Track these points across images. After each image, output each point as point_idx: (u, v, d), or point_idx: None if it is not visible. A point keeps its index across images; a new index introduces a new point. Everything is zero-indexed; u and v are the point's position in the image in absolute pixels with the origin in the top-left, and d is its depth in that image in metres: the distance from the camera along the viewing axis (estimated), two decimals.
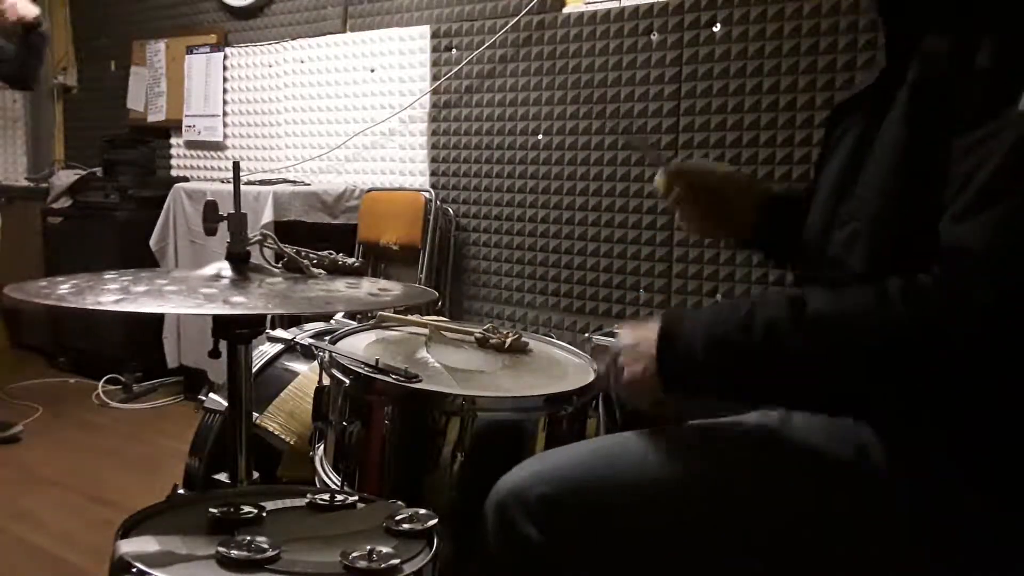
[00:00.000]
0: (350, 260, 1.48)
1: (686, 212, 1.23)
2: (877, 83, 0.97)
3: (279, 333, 1.89)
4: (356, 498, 1.05)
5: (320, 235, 3.17)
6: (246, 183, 3.36)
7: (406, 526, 0.95)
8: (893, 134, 0.89)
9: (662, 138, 2.72)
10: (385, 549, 0.88)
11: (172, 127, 4.35)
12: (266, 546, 0.86)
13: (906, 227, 0.87)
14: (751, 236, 1.23)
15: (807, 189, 1.09)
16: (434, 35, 3.29)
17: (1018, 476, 0.86)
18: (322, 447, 1.40)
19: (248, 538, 0.87)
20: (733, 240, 1.27)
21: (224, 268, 1.20)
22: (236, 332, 1.19)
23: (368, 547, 0.88)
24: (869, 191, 0.92)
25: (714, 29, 2.61)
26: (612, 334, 2.37)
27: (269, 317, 1.80)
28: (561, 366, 1.43)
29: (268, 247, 1.33)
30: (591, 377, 1.33)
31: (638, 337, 0.98)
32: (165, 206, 3.53)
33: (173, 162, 4.41)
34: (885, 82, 0.95)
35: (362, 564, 0.86)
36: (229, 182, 1.25)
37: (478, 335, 1.52)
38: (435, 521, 0.97)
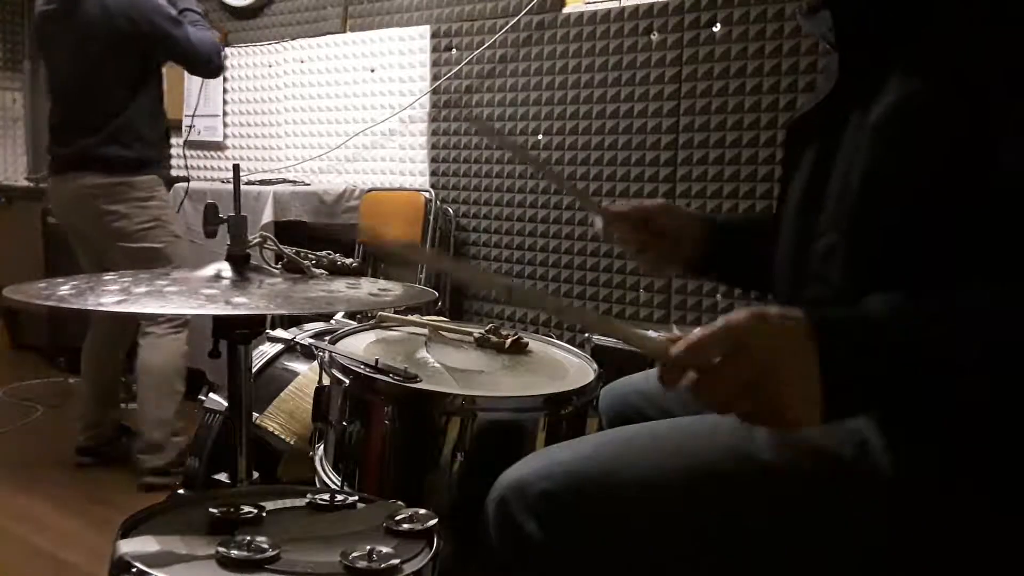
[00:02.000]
0: (349, 260, 1.49)
1: (632, 251, 1.24)
2: (830, 100, 0.99)
3: (279, 333, 1.90)
4: (356, 498, 1.05)
5: (320, 235, 3.17)
6: (246, 183, 3.35)
7: (406, 526, 0.96)
8: (864, 147, 0.90)
9: (662, 138, 2.72)
10: (385, 549, 0.89)
11: (172, 127, 4.33)
12: (266, 546, 0.87)
13: (885, 237, 0.87)
14: (701, 265, 1.24)
15: (777, 204, 1.10)
16: (434, 35, 3.29)
17: (1019, 477, 0.86)
18: (322, 447, 1.40)
19: (248, 538, 0.87)
20: (685, 269, 1.26)
21: (224, 269, 1.21)
22: (236, 332, 1.19)
23: (368, 547, 0.88)
24: (840, 204, 0.92)
25: (714, 29, 2.61)
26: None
27: (269, 317, 1.80)
28: (561, 366, 1.43)
29: (268, 248, 1.34)
30: (591, 377, 1.33)
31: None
32: None
33: (173, 162, 4.38)
34: (839, 99, 0.97)
35: (362, 564, 0.86)
36: (229, 182, 1.26)
37: (478, 335, 1.52)
38: (435, 521, 0.97)
